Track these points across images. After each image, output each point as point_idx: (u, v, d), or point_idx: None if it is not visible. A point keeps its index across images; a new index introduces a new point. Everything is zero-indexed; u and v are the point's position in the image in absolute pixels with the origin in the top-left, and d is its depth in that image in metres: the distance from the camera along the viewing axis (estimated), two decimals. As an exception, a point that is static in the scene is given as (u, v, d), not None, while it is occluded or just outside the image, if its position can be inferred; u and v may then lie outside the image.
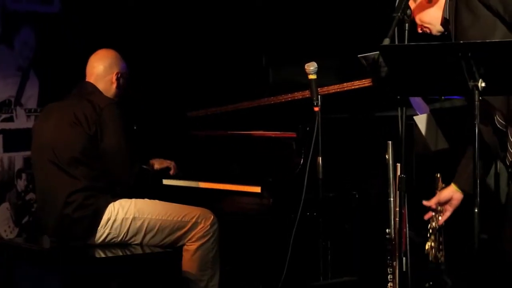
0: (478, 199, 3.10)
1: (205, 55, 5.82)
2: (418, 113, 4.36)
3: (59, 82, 5.48)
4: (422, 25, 3.62)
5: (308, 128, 4.24)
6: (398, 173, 3.56)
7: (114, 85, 4.44)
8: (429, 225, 3.71)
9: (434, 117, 4.37)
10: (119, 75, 4.44)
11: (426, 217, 3.71)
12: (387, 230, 3.67)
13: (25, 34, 5.62)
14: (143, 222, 4.28)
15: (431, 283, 4.40)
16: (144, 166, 4.56)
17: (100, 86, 4.40)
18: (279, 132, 4.54)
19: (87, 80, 4.44)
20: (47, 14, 5.70)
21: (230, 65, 5.69)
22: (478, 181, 3.11)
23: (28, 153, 5.30)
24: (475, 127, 3.07)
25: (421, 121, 4.33)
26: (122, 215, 4.24)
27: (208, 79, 5.75)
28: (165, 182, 4.79)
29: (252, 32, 5.70)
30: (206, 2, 5.88)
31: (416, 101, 4.33)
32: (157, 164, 4.68)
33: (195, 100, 5.44)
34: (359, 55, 3.70)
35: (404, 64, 3.20)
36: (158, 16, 5.88)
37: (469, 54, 3.01)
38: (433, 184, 3.78)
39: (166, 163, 4.71)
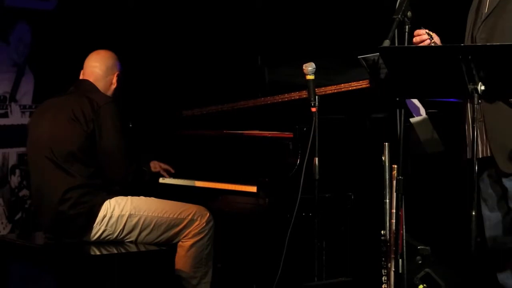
0: (476, 201, 3.11)
1: (201, 54, 5.81)
2: (415, 115, 4.37)
3: (55, 79, 5.47)
4: None
5: (305, 129, 4.24)
6: (394, 174, 3.56)
7: (114, 86, 4.45)
8: None
9: (431, 119, 4.38)
10: (119, 76, 4.45)
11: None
12: (382, 232, 3.67)
13: (20, 30, 5.61)
14: (139, 219, 4.27)
15: (425, 285, 4.42)
16: (144, 168, 4.58)
17: (100, 85, 4.40)
18: (275, 132, 4.54)
19: (85, 78, 4.43)
20: (43, 10, 5.68)
21: (225, 64, 5.68)
22: (476, 185, 3.11)
23: (22, 149, 5.30)
24: (475, 130, 3.07)
25: (417, 123, 4.34)
26: (118, 212, 4.23)
27: (203, 78, 5.74)
28: (161, 180, 4.79)
29: (248, 31, 5.69)
30: (202, 2, 5.87)
31: (413, 103, 4.34)
32: (153, 167, 4.69)
33: (191, 100, 5.43)
34: (359, 56, 3.70)
35: (403, 66, 3.20)
36: (154, 16, 5.87)
37: (469, 57, 3.02)
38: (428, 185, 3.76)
39: (160, 166, 4.72)
